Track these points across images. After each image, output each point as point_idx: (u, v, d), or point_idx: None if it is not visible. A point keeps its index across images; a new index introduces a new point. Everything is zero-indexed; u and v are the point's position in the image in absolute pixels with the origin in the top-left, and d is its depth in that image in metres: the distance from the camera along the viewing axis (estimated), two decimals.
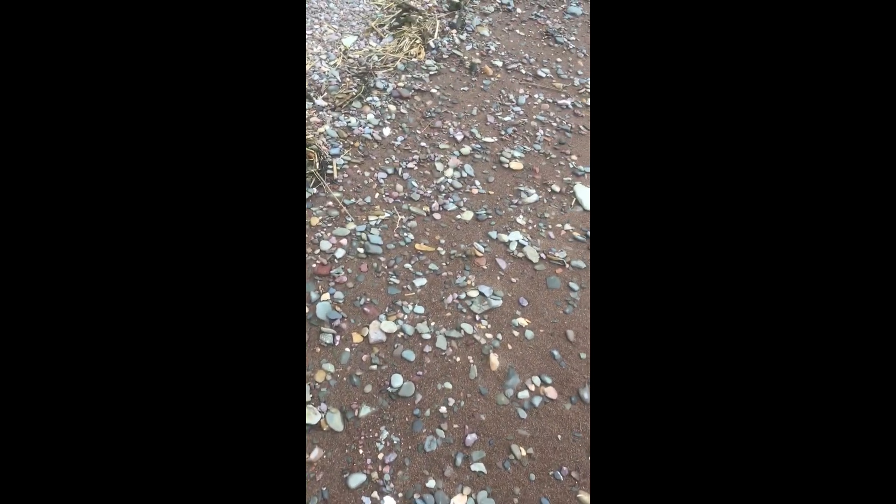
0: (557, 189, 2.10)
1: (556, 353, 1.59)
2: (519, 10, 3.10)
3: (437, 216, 1.93)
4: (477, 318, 1.65)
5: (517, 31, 2.94)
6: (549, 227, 1.96)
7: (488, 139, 2.27)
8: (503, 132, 2.31)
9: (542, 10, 3.12)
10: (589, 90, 2.60)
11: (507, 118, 2.38)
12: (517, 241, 1.88)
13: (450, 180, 2.06)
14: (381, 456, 1.33)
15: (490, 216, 1.96)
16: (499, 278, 1.77)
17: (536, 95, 2.54)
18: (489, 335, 1.61)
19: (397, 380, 1.47)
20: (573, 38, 2.95)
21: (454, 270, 1.77)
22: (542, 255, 1.85)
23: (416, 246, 1.82)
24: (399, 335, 1.58)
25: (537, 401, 1.48)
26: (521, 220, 1.96)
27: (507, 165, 2.17)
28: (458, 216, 1.94)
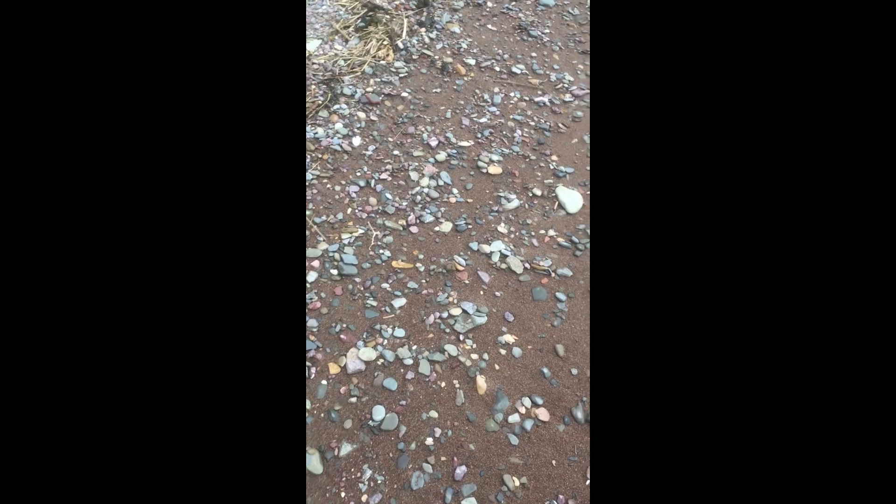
0: (539, 193, 2.01)
1: (545, 370, 1.51)
2: (490, 4, 2.99)
3: (413, 229, 1.83)
4: (461, 337, 1.56)
5: (489, 26, 2.84)
6: (532, 233, 1.87)
7: (464, 143, 2.17)
8: (479, 135, 2.22)
9: (513, 3, 3.02)
10: (566, 86, 2.52)
11: (482, 119, 2.29)
12: (499, 251, 1.79)
13: (426, 190, 1.96)
14: (364, 498, 1.24)
15: (470, 226, 1.87)
16: (482, 293, 1.68)
17: (512, 94, 2.44)
18: (475, 356, 1.52)
19: (379, 412, 1.38)
20: (547, 31, 2.85)
21: (435, 287, 1.67)
22: (527, 265, 1.77)
23: (394, 263, 1.72)
24: (379, 362, 1.48)
25: (528, 424, 1.40)
26: (502, 228, 1.87)
27: (485, 170, 2.07)
28: (437, 228, 1.85)
